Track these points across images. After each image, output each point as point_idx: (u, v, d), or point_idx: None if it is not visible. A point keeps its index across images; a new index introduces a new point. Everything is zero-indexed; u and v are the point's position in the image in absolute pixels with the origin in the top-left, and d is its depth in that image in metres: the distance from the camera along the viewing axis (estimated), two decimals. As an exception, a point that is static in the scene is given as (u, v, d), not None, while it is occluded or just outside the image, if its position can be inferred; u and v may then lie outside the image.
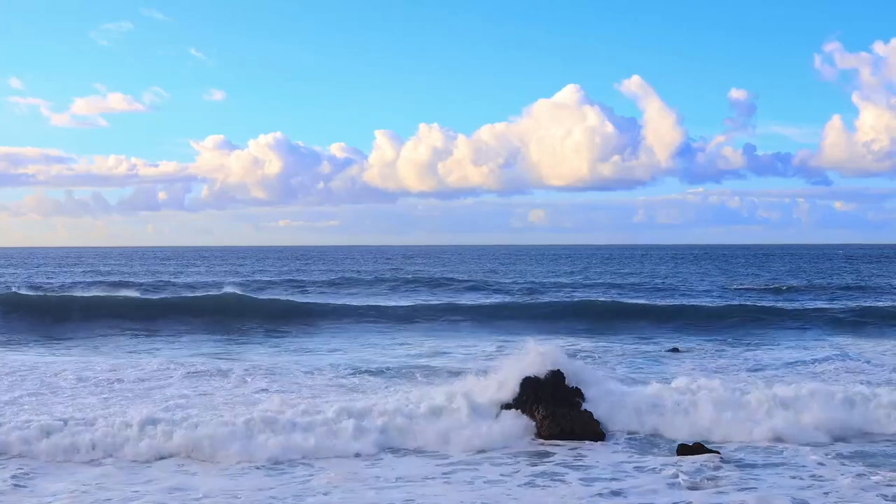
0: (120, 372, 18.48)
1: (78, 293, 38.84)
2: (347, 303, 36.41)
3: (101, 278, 61.67)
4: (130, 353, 23.26)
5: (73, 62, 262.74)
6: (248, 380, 17.65)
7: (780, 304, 35.95)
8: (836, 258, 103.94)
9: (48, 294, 38.62)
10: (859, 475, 10.82)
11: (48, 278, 63.17)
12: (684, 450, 12.28)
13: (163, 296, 38.44)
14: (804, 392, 14.36)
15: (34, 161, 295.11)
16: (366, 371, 19.11)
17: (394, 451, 12.38)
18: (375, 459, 11.95)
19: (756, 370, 19.82)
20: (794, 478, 10.92)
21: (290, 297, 39.51)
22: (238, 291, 37.32)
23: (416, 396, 14.57)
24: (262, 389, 16.48)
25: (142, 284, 50.82)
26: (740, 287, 49.50)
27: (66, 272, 75.92)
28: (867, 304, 35.41)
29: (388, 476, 11.01)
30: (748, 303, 36.54)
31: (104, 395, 15.93)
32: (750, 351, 23.77)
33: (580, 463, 11.85)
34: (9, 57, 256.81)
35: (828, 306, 35.35)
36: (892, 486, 10.33)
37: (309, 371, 19.02)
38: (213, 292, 38.29)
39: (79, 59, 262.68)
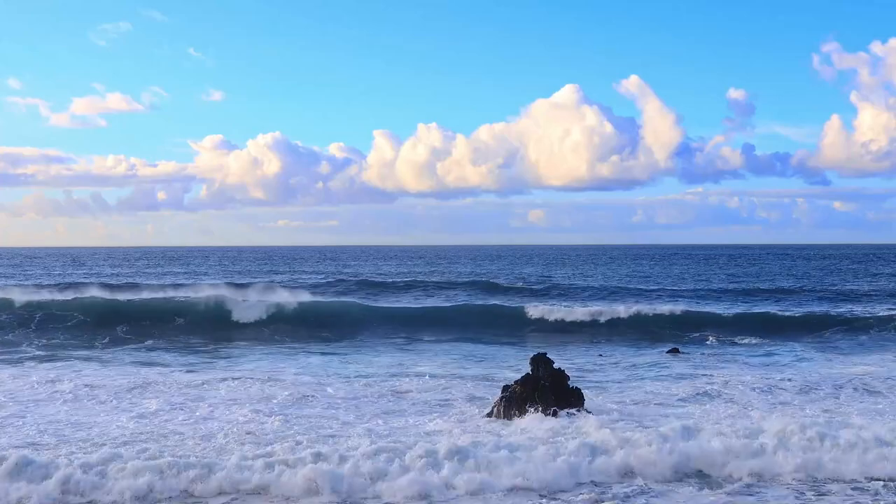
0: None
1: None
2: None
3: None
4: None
5: (71, 62, 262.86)
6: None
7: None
8: (831, 258, 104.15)
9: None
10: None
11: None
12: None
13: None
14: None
15: (33, 161, 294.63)
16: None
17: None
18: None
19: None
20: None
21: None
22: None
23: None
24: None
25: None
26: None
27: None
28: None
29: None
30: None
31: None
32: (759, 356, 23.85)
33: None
34: (8, 57, 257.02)
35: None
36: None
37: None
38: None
39: (78, 59, 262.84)
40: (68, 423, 13.97)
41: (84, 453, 11.47)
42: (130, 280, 55.78)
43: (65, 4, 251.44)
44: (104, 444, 12.21)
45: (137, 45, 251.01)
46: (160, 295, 35.46)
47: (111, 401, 16.03)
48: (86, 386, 17.53)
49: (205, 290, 35.53)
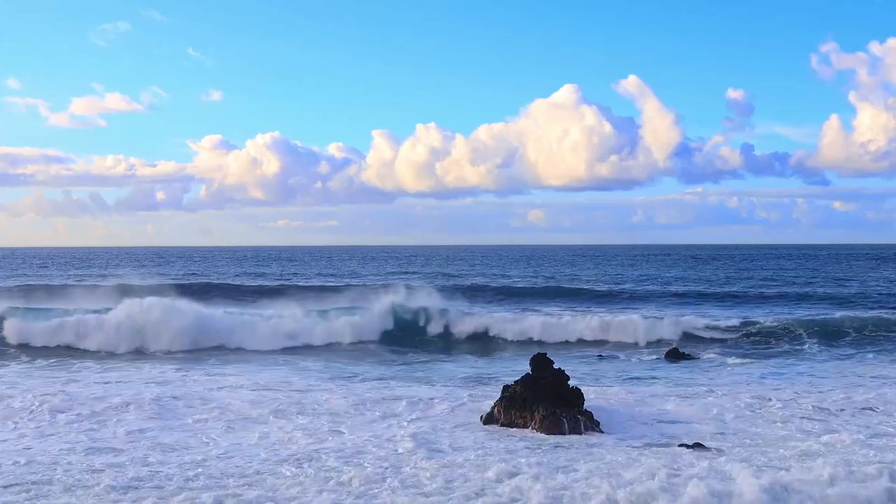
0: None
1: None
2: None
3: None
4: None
5: (71, 62, 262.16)
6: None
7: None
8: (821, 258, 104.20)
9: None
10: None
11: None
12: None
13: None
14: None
15: (33, 161, 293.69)
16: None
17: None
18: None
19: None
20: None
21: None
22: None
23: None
24: None
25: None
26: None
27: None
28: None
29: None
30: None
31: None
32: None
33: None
34: (7, 57, 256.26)
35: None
36: None
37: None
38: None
39: (77, 59, 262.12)
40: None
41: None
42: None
43: (64, 4, 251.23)
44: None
45: (137, 45, 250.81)
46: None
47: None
48: None
49: None
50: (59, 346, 26.68)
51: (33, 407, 15.52)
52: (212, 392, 17.35)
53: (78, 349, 26.29)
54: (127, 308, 27.77)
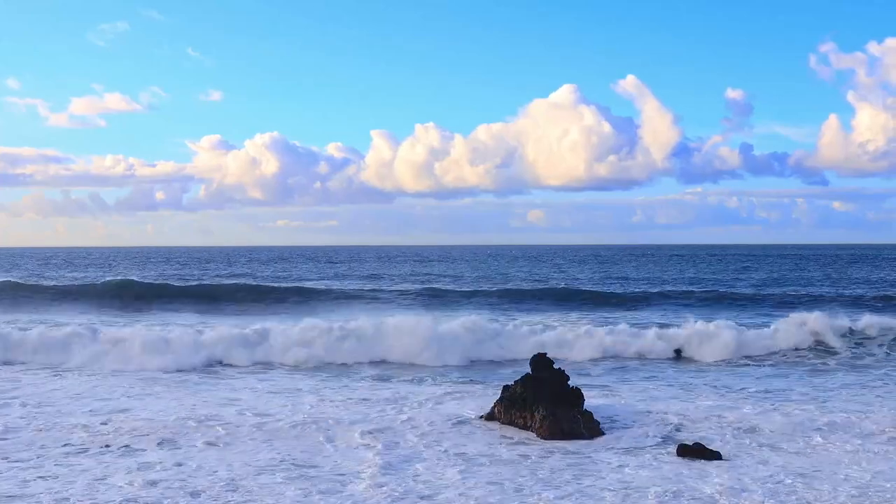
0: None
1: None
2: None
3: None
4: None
5: (70, 62, 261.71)
6: None
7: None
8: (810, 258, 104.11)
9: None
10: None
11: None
12: (685, 451, 12.29)
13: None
14: None
15: (32, 161, 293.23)
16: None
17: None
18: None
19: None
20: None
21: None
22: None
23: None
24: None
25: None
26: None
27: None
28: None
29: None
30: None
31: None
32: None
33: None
34: (6, 57, 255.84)
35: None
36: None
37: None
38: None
39: (76, 59, 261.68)
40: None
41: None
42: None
43: (64, 4, 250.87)
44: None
45: (136, 45, 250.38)
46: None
47: None
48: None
49: None
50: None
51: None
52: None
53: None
54: None
